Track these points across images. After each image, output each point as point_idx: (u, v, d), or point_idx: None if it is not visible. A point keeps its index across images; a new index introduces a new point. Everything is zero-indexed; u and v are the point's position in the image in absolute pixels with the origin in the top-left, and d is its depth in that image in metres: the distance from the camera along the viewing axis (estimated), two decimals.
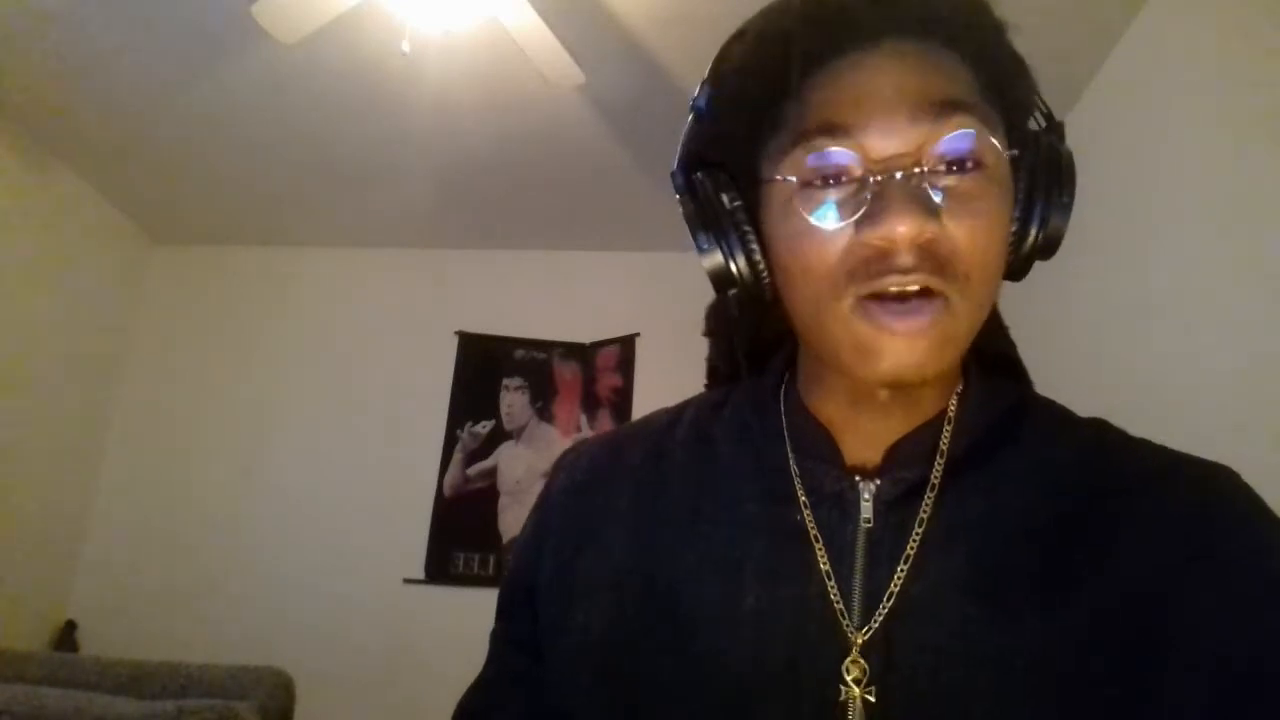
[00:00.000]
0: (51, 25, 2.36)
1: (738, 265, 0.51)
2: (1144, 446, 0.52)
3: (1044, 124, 0.53)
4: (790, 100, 0.47)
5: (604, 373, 3.45)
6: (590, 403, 3.42)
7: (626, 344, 3.44)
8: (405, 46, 2.01)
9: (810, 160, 0.46)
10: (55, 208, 3.10)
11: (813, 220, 0.46)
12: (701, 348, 0.66)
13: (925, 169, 0.44)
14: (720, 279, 0.52)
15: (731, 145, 0.52)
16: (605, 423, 3.38)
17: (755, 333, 0.62)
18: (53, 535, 3.15)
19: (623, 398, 3.39)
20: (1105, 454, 0.51)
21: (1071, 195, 0.50)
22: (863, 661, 0.46)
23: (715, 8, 2.12)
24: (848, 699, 0.46)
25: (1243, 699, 0.41)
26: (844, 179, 0.46)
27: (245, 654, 2.30)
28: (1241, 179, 1.69)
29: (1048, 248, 0.50)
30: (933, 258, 0.44)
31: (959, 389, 0.54)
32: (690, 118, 0.55)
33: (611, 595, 0.53)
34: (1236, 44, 1.74)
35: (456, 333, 3.49)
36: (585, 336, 3.48)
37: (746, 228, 0.51)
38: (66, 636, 3.10)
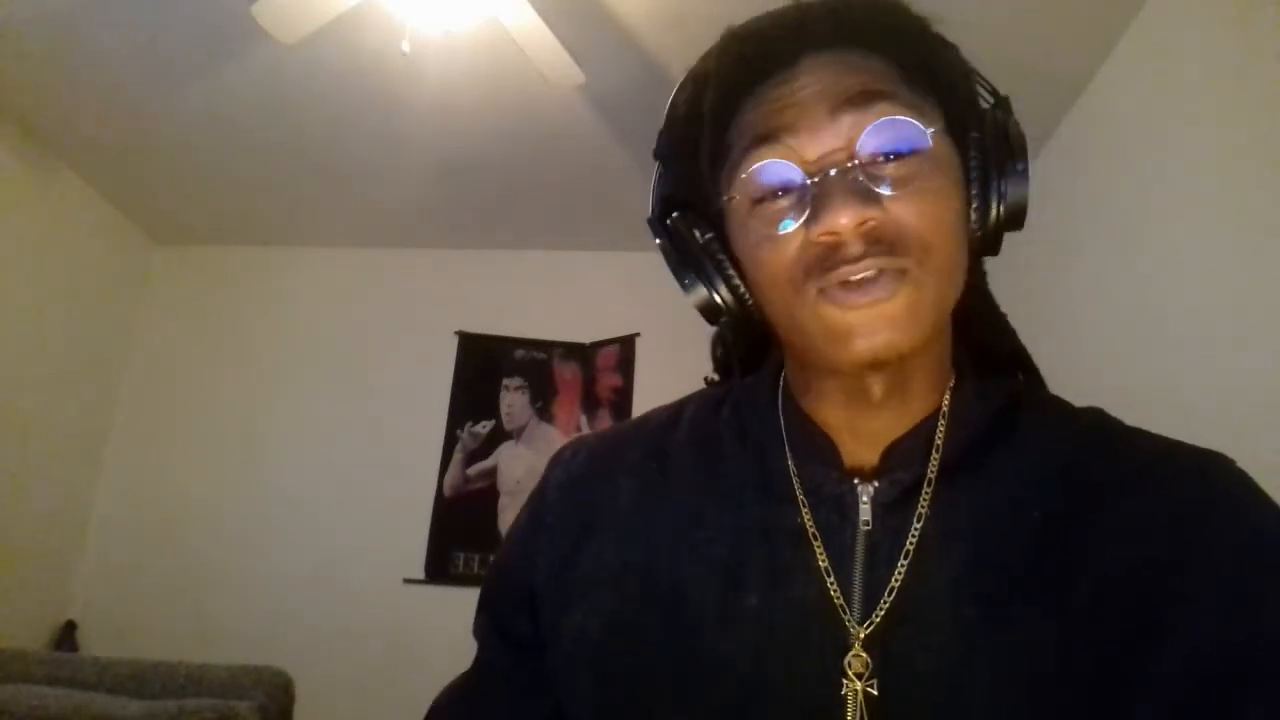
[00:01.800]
0: (51, 25, 2.36)
1: (720, 295, 0.53)
2: (1140, 436, 0.53)
3: (991, 101, 0.54)
4: (728, 130, 0.50)
5: (604, 373, 3.45)
6: (590, 403, 3.42)
7: (626, 344, 3.44)
8: (405, 46, 2.01)
9: (753, 173, 0.48)
10: (56, 208, 3.10)
11: (766, 229, 0.48)
12: (702, 347, 0.66)
13: (859, 161, 0.46)
14: (708, 311, 0.54)
15: (694, 184, 0.55)
16: (605, 423, 3.38)
17: (754, 353, 0.63)
18: (53, 535, 3.16)
19: (623, 398, 3.39)
20: (1101, 445, 0.52)
21: (1025, 163, 0.51)
22: (865, 655, 0.47)
23: (715, 8, 2.12)
24: (849, 693, 0.46)
25: (1234, 684, 0.42)
26: (788, 188, 0.48)
27: (245, 654, 2.30)
28: (1240, 179, 1.69)
29: (1013, 218, 0.51)
30: (880, 241, 0.46)
31: (951, 384, 0.54)
32: (657, 166, 0.58)
33: (610, 594, 0.54)
34: (1234, 45, 1.74)
35: (456, 333, 3.50)
36: (585, 336, 3.49)
37: (720, 256, 0.53)
38: (66, 636, 3.10)
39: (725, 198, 0.51)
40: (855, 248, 0.45)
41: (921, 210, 0.46)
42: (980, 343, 0.57)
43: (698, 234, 0.54)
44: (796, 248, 0.47)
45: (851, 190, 0.45)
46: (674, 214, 0.56)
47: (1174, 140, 1.94)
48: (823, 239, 0.46)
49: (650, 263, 3.57)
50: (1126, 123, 2.16)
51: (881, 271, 0.46)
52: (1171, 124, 1.95)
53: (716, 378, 0.66)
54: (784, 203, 0.48)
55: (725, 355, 0.64)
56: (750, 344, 0.62)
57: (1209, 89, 1.82)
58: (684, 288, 0.54)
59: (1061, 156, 2.47)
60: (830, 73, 0.48)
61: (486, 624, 0.61)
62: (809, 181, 0.47)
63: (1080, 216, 2.30)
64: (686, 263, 0.54)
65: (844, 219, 0.45)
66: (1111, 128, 2.22)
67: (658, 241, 0.56)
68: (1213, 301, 1.75)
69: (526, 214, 3.35)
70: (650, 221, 0.57)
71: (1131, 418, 0.55)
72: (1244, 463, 0.49)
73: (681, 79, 0.56)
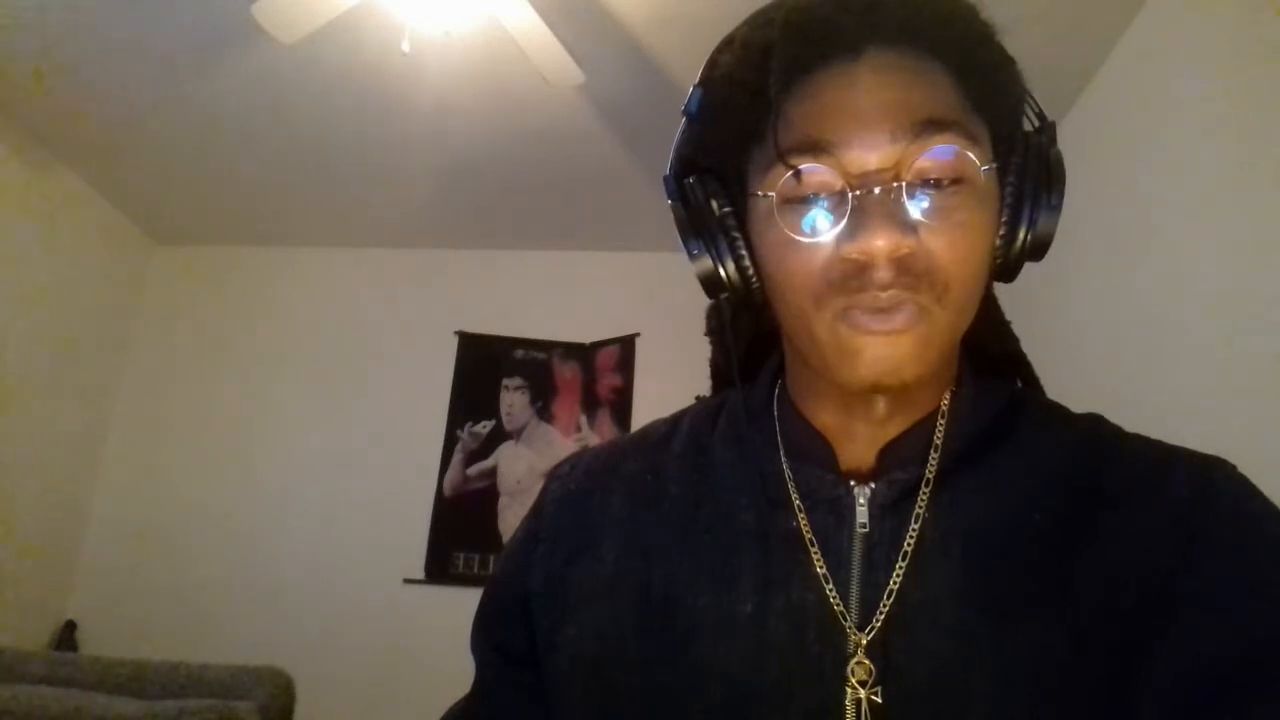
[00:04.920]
0: (51, 25, 2.36)
1: (727, 271, 0.52)
2: (1139, 442, 0.52)
3: (1035, 124, 0.53)
4: (771, 114, 0.47)
5: (604, 373, 3.45)
6: (590, 403, 3.42)
7: (626, 344, 3.44)
8: (405, 46, 2.01)
9: (791, 176, 0.46)
10: (56, 208, 3.10)
11: (794, 235, 0.47)
12: (702, 347, 0.65)
13: (904, 184, 0.45)
14: (710, 284, 0.53)
15: (721, 151, 0.53)
16: (605, 423, 3.38)
17: (752, 333, 0.62)
18: (53, 535, 3.16)
19: (623, 398, 3.39)
20: (1101, 451, 0.51)
21: (1060, 197, 0.50)
22: (868, 662, 0.46)
23: (715, 8, 2.12)
24: (853, 700, 0.46)
25: (1237, 686, 0.41)
26: (824, 193, 0.46)
27: (245, 654, 2.30)
28: (1240, 179, 1.69)
29: (1037, 249, 0.50)
30: (909, 272, 0.45)
31: (952, 388, 0.54)
32: (682, 122, 0.55)
33: (605, 605, 0.53)
34: (1234, 45, 1.74)
35: (456, 333, 3.50)
36: (585, 336, 3.49)
37: (735, 234, 0.51)
38: (66, 636, 3.10)
39: (755, 192, 0.49)
40: (884, 273, 0.44)
41: (953, 243, 0.45)
42: (980, 346, 0.57)
43: (715, 205, 0.52)
44: (824, 259, 0.46)
45: (891, 214, 0.44)
46: (691, 177, 0.53)
47: (1174, 140, 1.94)
48: (853, 257, 0.45)
49: (650, 263, 3.56)
50: (1126, 123, 2.16)
51: (903, 301, 0.45)
52: (1171, 124, 1.95)
53: (710, 395, 0.65)
54: (818, 209, 0.46)
55: (722, 329, 0.61)
56: (749, 334, 0.62)
57: (1209, 89, 1.82)
58: (690, 255, 0.52)
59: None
60: (894, 81, 0.46)
61: (483, 644, 0.60)
62: (851, 194, 0.45)
63: (1079, 217, 2.30)
64: (697, 231, 0.52)
65: (880, 242, 0.44)
66: (1111, 128, 2.22)
67: (670, 202, 0.54)
68: (1213, 302, 1.75)
69: (526, 214, 3.35)
70: (666, 179, 0.55)
71: (1128, 418, 0.55)
72: (1244, 466, 0.49)
73: (728, 34, 0.52)
